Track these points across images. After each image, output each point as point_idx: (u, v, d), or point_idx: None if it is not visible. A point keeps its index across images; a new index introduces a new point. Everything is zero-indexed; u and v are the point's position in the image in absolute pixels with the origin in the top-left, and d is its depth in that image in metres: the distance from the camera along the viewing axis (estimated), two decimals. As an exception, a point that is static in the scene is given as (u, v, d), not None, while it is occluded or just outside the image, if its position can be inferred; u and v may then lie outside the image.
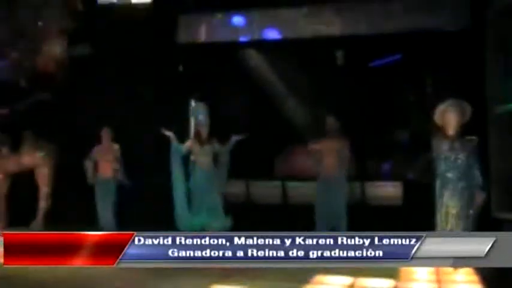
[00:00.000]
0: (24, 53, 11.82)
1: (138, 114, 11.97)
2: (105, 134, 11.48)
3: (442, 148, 8.10)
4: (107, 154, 11.43)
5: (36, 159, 12.06)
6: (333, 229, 10.27)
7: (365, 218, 10.84)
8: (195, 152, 10.63)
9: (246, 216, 10.92)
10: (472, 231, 7.92)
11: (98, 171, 11.48)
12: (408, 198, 11.27)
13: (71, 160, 11.66)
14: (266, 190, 12.30)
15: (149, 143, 11.62)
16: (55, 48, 12.03)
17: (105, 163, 11.44)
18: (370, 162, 12.19)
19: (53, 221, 11.76)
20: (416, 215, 9.88)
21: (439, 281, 7.66)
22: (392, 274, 7.63)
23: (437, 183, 8.24)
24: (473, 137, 8.12)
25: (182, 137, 10.84)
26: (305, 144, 11.07)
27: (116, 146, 11.48)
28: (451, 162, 8.07)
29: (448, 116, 8.02)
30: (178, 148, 10.63)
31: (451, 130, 8.03)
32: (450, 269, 7.76)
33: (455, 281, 7.57)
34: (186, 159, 10.71)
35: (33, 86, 12.06)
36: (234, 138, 10.53)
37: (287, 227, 10.21)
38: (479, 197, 8.19)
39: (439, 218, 8.24)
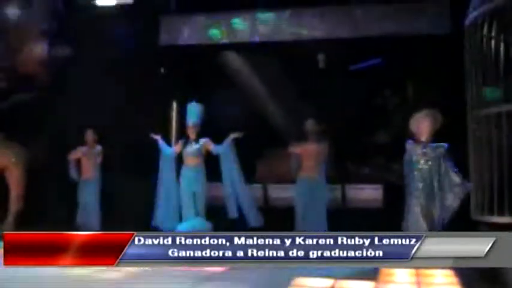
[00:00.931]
0: (4, 54, 11.74)
1: (120, 116, 11.88)
2: (89, 135, 11.48)
3: (415, 153, 8.81)
4: (89, 155, 11.45)
5: (6, 161, 11.94)
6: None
7: (345, 220, 10.88)
8: (184, 153, 10.62)
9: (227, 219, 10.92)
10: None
11: (81, 171, 11.48)
12: (388, 200, 11.33)
13: (53, 161, 11.61)
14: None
15: (132, 145, 11.53)
16: (35, 49, 11.94)
17: (88, 164, 11.45)
18: (350, 165, 12.25)
19: (32, 222, 11.65)
20: (397, 218, 10.05)
21: (418, 283, 7.71)
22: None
23: (409, 186, 8.95)
24: (444, 143, 8.82)
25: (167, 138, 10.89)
26: (285, 147, 11.11)
27: (99, 148, 11.50)
28: (423, 166, 8.79)
29: (422, 124, 8.83)
30: (169, 151, 10.64)
31: (424, 137, 8.80)
32: (430, 271, 7.88)
33: (435, 283, 7.60)
34: (175, 162, 10.71)
35: (13, 87, 11.97)
36: (231, 136, 10.55)
37: (268, 230, 10.37)
38: (454, 199, 8.77)
39: (409, 219, 8.93)
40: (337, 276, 7.73)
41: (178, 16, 12.61)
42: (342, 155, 11.54)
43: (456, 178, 8.75)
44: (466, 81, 10.47)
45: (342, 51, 12.02)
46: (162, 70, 12.87)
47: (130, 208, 11.30)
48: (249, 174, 12.38)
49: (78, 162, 11.54)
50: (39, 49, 12.12)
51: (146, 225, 10.59)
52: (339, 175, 11.58)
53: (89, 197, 11.41)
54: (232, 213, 10.61)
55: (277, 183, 12.17)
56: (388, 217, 10.35)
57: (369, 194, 11.67)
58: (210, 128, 10.81)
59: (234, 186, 10.66)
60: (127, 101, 11.95)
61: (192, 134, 10.61)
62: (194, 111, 10.67)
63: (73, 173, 11.48)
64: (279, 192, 12.01)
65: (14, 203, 11.81)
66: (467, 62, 10.55)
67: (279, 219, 11.17)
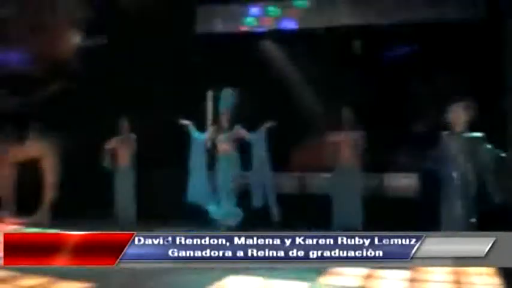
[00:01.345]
0: (41, 44, 11.87)
1: (156, 104, 11.92)
2: (123, 124, 11.58)
3: (450, 143, 8.98)
4: (124, 144, 11.56)
5: (41, 150, 12.13)
6: (349, 221, 10.27)
7: (381, 209, 10.79)
8: (217, 139, 10.53)
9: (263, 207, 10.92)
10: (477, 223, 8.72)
11: (117, 160, 11.60)
12: (425, 190, 11.13)
13: (88, 150, 11.75)
14: (284, 182, 12.22)
15: (168, 133, 11.53)
16: (72, 39, 12.06)
17: (123, 152, 11.56)
18: (386, 153, 12.06)
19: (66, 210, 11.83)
20: (433, 207, 9.96)
21: (456, 271, 7.66)
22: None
23: (445, 177, 9.02)
24: (480, 133, 8.85)
25: (201, 125, 10.84)
26: (321, 136, 11.04)
27: (133, 136, 11.59)
28: (458, 157, 8.90)
29: (457, 114, 8.91)
30: (199, 136, 10.57)
31: (459, 127, 8.88)
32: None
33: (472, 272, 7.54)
34: (205, 148, 10.64)
35: (50, 76, 12.11)
36: (265, 124, 10.43)
37: (305, 219, 10.37)
38: (492, 189, 8.66)
39: (446, 209, 9.01)
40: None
41: (214, 4, 12.57)
42: (379, 143, 11.34)
43: (493, 168, 8.70)
44: (505, 67, 10.28)
45: (377, 38, 11.83)
46: (198, 58, 12.82)
47: (165, 195, 11.38)
48: (286, 163, 12.40)
49: (113, 150, 11.67)
50: (75, 39, 12.27)
51: (180, 212, 10.63)
52: (375, 164, 11.42)
53: (124, 185, 11.54)
54: (257, 202, 10.51)
55: (314, 171, 12.05)
56: (424, 206, 10.21)
57: (405, 182, 11.50)
58: (246, 116, 10.71)
59: (262, 176, 10.57)
60: (163, 89, 11.98)
61: (224, 120, 10.51)
62: (227, 97, 10.56)
63: (108, 161, 11.60)
64: (316, 181, 11.90)
65: (49, 192, 11.99)
66: (508, 48, 10.36)
67: (315, 207, 11.14)
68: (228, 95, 10.59)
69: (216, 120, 10.82)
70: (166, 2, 12.21)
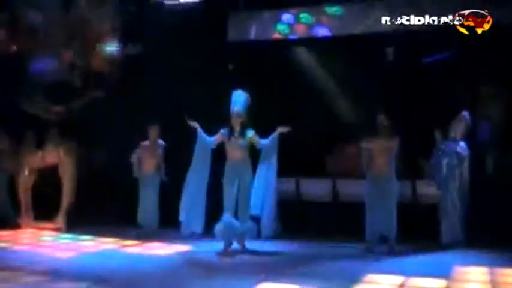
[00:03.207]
0: (78, 53, 11.96)
1: (188, 112, 11.92)
2: (153, 130, 11.54)
3: (448, 151, 10.56)
4: (151, 150, 11.54)
5: (59, 156, 12.22)
6: (382, 230, 10.19)
7: (416, 216, 10.73)
8: (227, 144, 10.15)
9: (295, 214, 10.89)
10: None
11: (143, 166, 11.58)
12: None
13: (122, 157, 11.81)
14: (316, 188, 12.16)
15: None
16: (107, 48, 12.14)
17: (149, 159, 11.55)
18: (421, 160, 11.94)
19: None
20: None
21: (492, 282, 7.66)
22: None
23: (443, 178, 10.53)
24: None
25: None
26: (356, 142, 10.97)
27: (162, 143, 11.56)
28: (454, 162, 10.47)
29: (456, 126, 10.59)
30: (206, 140, 10.16)
31: (458, 136, 10.57)
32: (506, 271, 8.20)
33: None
34: (213, 153, 10.28)
35: (86, 84, 12.20)
36: (277, 131, 10.12)
37: (337, 226, 10.34)
38: None
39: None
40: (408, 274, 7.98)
41: (246, 12, 12.58)
42: (413, 150, 11.24)
43: None
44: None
45: (413, 43, 11.75)
46: (231, 66, 12.80)
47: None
48: (318, 169, 12.34)
49: (140, 158, 11.68)
50: (114, 47, 12.35)
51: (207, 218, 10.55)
52: (409, 171, 11.34)
53: (149, 192, 11.53)
54: (256, 209, 10.14)
55: (347, 178, 11.99)
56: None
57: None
58: (277, 123, 10.53)
59: (265, 183, 10.15)
60: (194, 97, 11.96)
61: (236, 123, 10.06)
62: (239, 99, 10.14)
63: (136, 169, 11.62)
64: (349, 188, 11.83)
65: (66, 198, 12.07)
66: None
67: (348, 214, 11.09)
68: (240, 97, 10.22)
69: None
70: (198, 9, 12.25)
